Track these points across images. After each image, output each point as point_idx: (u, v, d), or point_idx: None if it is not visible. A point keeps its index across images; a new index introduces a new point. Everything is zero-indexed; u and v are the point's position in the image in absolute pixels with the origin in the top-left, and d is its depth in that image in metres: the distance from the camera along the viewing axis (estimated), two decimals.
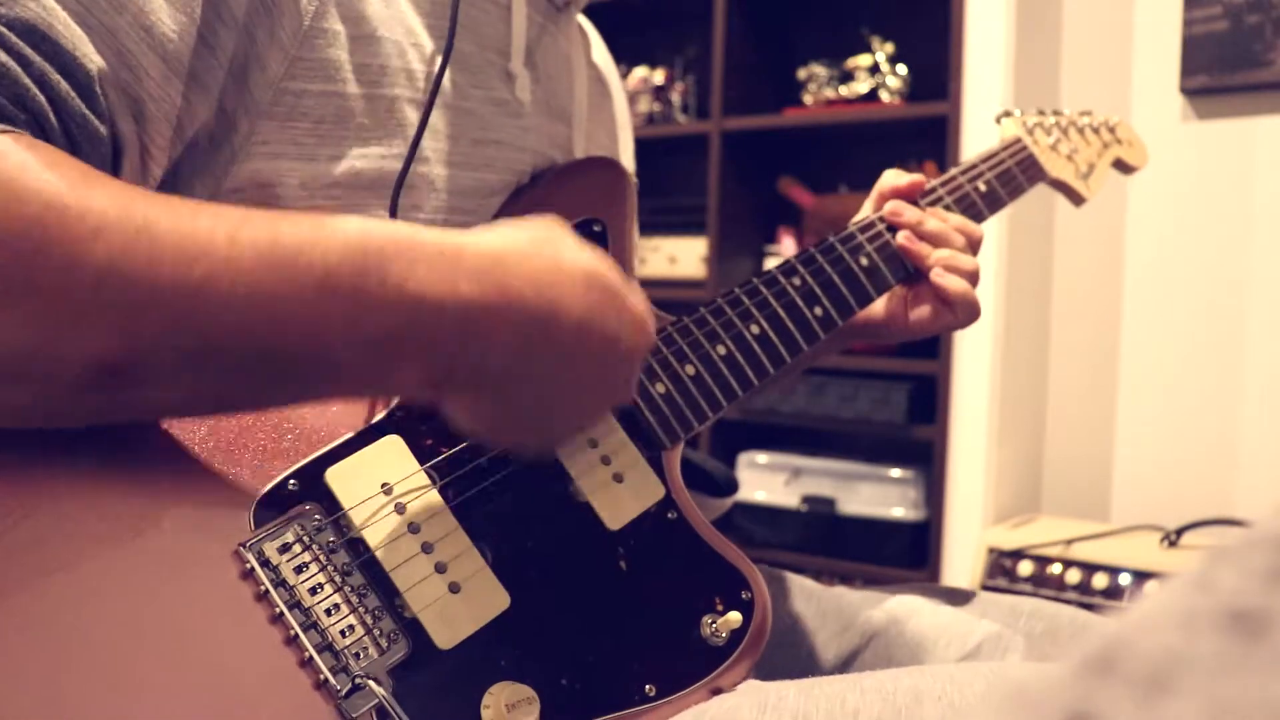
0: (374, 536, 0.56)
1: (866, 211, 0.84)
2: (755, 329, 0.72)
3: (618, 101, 0.93)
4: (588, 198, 0.73)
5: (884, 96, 2.31)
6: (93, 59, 0.52)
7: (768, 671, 0.64)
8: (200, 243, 0.46)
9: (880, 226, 0.80)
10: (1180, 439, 2.11)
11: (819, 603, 0.83)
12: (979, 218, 0.87)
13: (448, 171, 0.67)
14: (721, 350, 0.70)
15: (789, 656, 0.80)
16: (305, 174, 0.61)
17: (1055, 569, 1.87)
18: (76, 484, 0.50)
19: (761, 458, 2.36)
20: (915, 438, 2.22)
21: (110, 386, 0.46)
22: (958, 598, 0.80)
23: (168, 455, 0.54)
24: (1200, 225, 2.08)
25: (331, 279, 0.48)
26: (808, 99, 2.41)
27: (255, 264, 0.47)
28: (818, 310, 0.75)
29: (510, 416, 0.55)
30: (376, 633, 0.54)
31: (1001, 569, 1.92)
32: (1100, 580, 1.82)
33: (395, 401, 0.61)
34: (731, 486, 0.90)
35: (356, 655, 0.53)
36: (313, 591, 0.53)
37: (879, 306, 0.83)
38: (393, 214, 0.63)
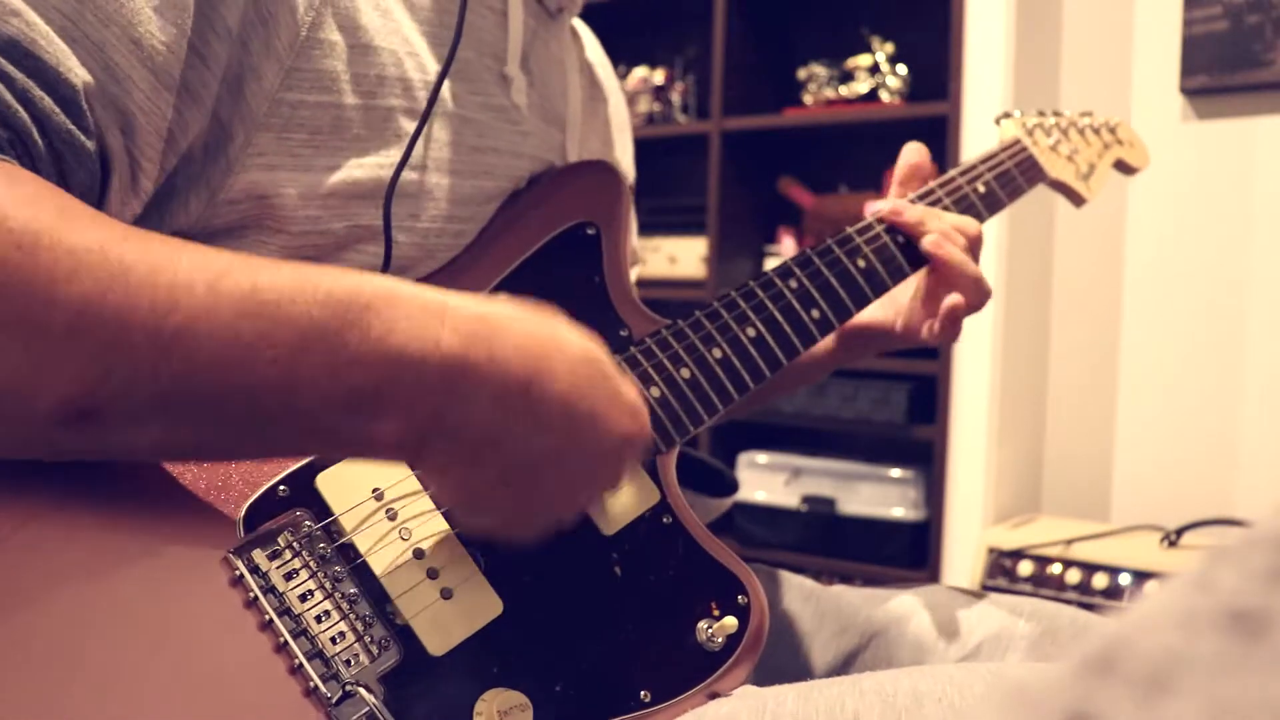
0: (365, 542, 0.56)
1: (893, 194, 0.84)
2: (751, 332, 0.71)
3: (614, 104, 0.92)
4: (583, 201, 0.73)
5: (884, 96, 2.31)
6: (77, 73, 0.51)
7: (767, 672, 0.64)
8: (179, 290, 0.45)
9: (879, 228, 0.80)
10: (1180, 439, 2.11)
11: (818, 603, 0.83)
12: (978, 219, 0.86)
13: (445, 180, 0.66)
14: (717, 354, 0.70)
15: (788, 657, 0.80)
16: (302, 184, 0.60)
17: (1055, 569, 1.86)
18: (67, 492, 0.50)
19: (761, 458, 2.36)
20: (915, 438, 2.22)
21: (82, 427, 0.45)
22: (958, 598, 0.80)
23: (156, 462, 0.54)
24: (1200, 225, 2.08)
25: (312, 332, 0.47)
26: (808, 99, 2.41)
27: (234, 314, 0.46)
28: (814, 313, 0.75)
29: (487, 488, 0.52)
30: (367, 639, 0.53)
31: (1001, 569, 1.92)
32: (1100, 580, 1.81)
33: None
34: (731, 486, 0.90)
35: (347, 662, 0.52)
36: (303, 598, 0.53)
37: (880, 312, 0.83)
38: (386, 222, 0.63)
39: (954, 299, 0.79)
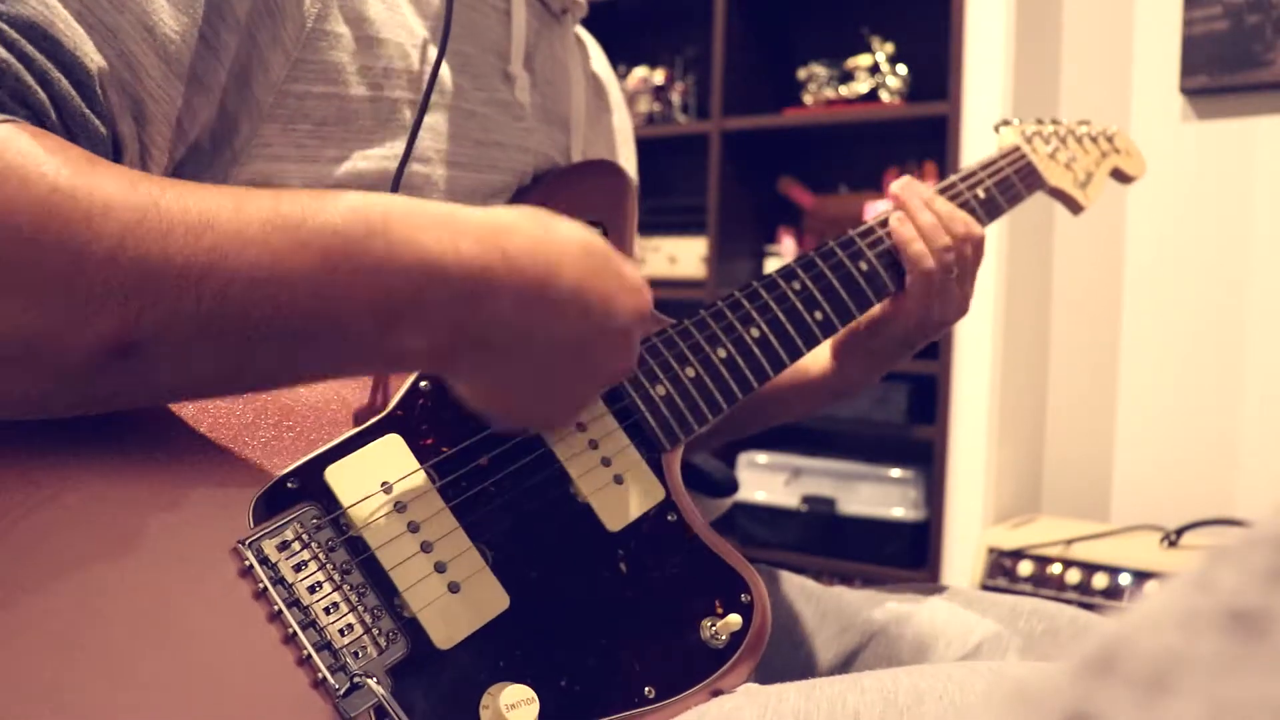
0: (373, 535, 0.56)
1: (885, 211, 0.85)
2: (755, 332, 0.72)
3: (618, 114, 0.93)
4: (588, 199, 0.73)
5: (884, 96, 2.31)
6: (93, 58, 0.52)
7: (768, 672, 0.64)
8: (207, 214, 0.47)
9: (880, 232, 0.80)
10: (1180, 439, 2.11)
11: (819, 603, 0.83)
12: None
13: (450, 172, 0.67)
14: (722, 353, 0.70)
15: (789, 657, 0.80)
16: (307, 176, 0.61)
17: (1055, 569, 1.87)
18: (76, 482, 0.50)
19: (761, 458, 2.37)
20: (915, 438, 2.22)
21: (122, 365, 0.46)
22: (958, 598, 0.80)
23: (167, 452, 0.54)
24: (1200, 225, 2.08)
25: (336, 243, 0.48)
26: (808, 99, 2.41)
27: (261, 231, 0.47)
28: (817, 315, 0.75)
29: (515, 386, 0.55)
30: (375, 632, 0.54)
31: (1001, 569, 1.92)
32: (1100, 580, 1.82)
33: (395, 401, 0.60)
34: (731, 486, 0.90)
35: (355, 654, 0.53)
36: (311, 590, 0.53)
37: (880, 312, 0.83)
38: None
39: (931, 296, 0.81)
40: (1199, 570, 0.21)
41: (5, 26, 0.50)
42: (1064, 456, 2.26)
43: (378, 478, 0.58)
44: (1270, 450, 2.01)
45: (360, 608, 0.54)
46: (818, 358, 0.88)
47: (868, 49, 2.35)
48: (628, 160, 0.94)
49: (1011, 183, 0.90)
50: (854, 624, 0.80)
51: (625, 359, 0.58)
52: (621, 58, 2.73)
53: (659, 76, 2.66)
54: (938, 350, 2.13)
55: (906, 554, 2.19)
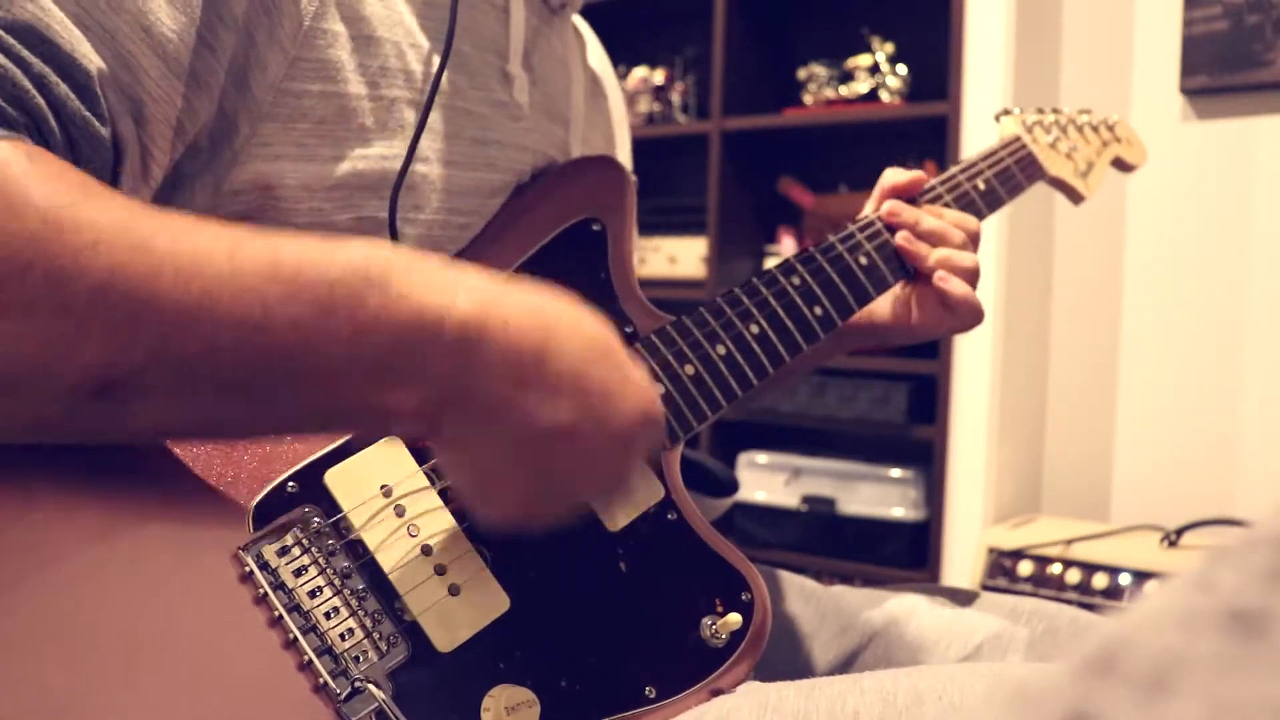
0: (373, 539, 0.56)
1: (868, 210, 0.84)
2: (755, 329, 0.72)
3: (614, 102, 0.93)
4: (588, 196, 0.73)
5: (884, 96, 2.31)
6: (91, 59, 0.52)
7: (767, 672, 0.64)
8: (200, 258, 0.46)
9: (879, 225, 0.80)
10: (1180, 439, 2.11)
11: (819, 603, 0.83)
12: (978, 216, 0.87)
13: (449, 171, 0.67)
14: (721, 350, 0.70)
15: (789, 657, 0.80)
16: (307, 175, 0.61)
17: (1055, 569, 1.87)
18: (74, 485, 0.50)
19: (761, 458, 2.36)
20: (915, 438, 2.22)
21: (103, 403, 0.45)
22: (958, 598, 0.80)
23: (166, 457, 0.54)
24: (1200, 225, 2.08)
25: (332, 293, 0.47)
26: (808, 99, 2.41)
27: (255, 279, 0.46)
28: (817, 310, 0.75)
29: (501, 465, 0.52)
30: (376, 636, 0.54)
31: (1001, 569, 1.92)
32: (1100, 580, 1.82)
33: None
34: (731, 486, 0.90)
35: (356, 658, 0.53)
36: (312, 594, 0.53)
37: (884, 310, 0.83)
38: (392, 214, 0.63)
39: (950, 321, 0.80)
40: (1199, 570, 0.21)
41: (1, 31, 0.50)
42: (1064, 456, 2.26)
43: (377, 480, 0.58)
44: (1270, 450, 2.01)
45: (361, 612, 0.54)
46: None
47: (868, 49, 2.35)
48: (623, 147, 0.94)
49: (1012, 173, 0.90)
50: (854, 624, 0.80)
51: (624, 464, 0.54)
52: (621, 58, 2.73)
53: (659, 76, 2.66)
54: (938, 350, 2.13)
55: (906, 554, 2.19)
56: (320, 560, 0.54)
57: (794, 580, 0.86)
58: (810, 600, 0.84)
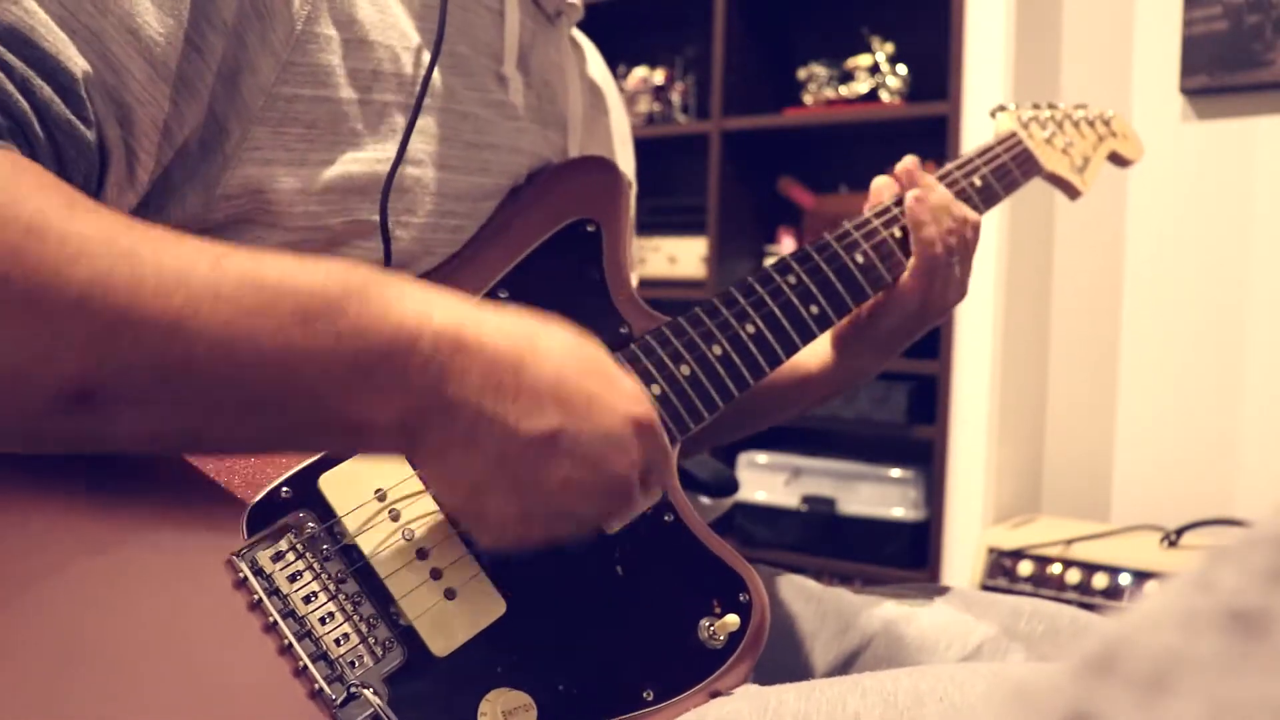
0: (368, 543, 0.56)
1: (865, 211, 0.84)
2: (751, 328, 0.71)
3: (615, 116, 0.92)
4: (582, 197, 0.73)
5: (884, 96, 2.31)
6: (76, 63, 0.51)
7: (767, 672, 0.64)
8: (183, 270, 0.46)
9: (877, 223, 0.80)
10: (1180, 439, 2.11)
11: (819, 603, 0.83)
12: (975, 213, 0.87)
13: (442, 174, 0.66)
14: (717, 350, 0.70)
15: (789, 657, 0.80)
16: (298, 179, 0.60)
17: (1055, 569, 1.86)
18: (67, 492, 0.50)
19: (761, 458, 2.36)
20: (915, 438, 2.21)
21: (82, 413, 0.45)
22: (958, 598, 0.80)
23: (160, 464, 0.54)
24: (1200, 225, 2.08)
25: (311, 303, 0.47)
26: (808, 99, 2.41)
27: (236, 291, 0.46)
28: (814, 308, 0.75)
29: (486, 476, 0.51)
30: (371, 641, 0.53)
31: (1001, 569, 1.92)
32: (1100, 580, 1.81)
33: None
34: (731, 487, 0.90)
35: (351, 664, 0.52)
36: (306, 600, 0.53)
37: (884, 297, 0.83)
38: (383, 215, 0.63)
39: (936, 277, 0.80)
40: (1199, 570, 0.20)
41: None
42: (1064, 456, 2.26)
43: (371, 485, 0.57)
44: (1270, 450, 2.01)
45: (356, 617, 0.54)
46: (816, 351, 0.87)
47: (868, 49, 2.35)
48: (626, 162, 0.94)
49: (1008, 169, 0.90)
50: (854, 625, 0.80)
51: (623, 476, 0.53)
52: (621, 58, 2.73)
53: (659, 76, 2.66)
54: (938, 350, 2.13)
55: (906, 554, 2.19)
56: (315, 565, 0.54)
57: (794, 580, 0.86)
58: (810, 600, 0.84)
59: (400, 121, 0.64)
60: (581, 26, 0.88)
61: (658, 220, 2.54)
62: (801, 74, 2.43)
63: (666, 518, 0.64)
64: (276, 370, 0.47)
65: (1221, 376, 2.06)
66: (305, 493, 0.56)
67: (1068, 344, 2.25)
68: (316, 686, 0.51)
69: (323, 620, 0.53)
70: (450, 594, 0.56)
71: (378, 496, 0.57)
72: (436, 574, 0.56)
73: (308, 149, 0.61)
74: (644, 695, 0.58)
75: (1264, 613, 0.19)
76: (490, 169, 0.70)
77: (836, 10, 2.47)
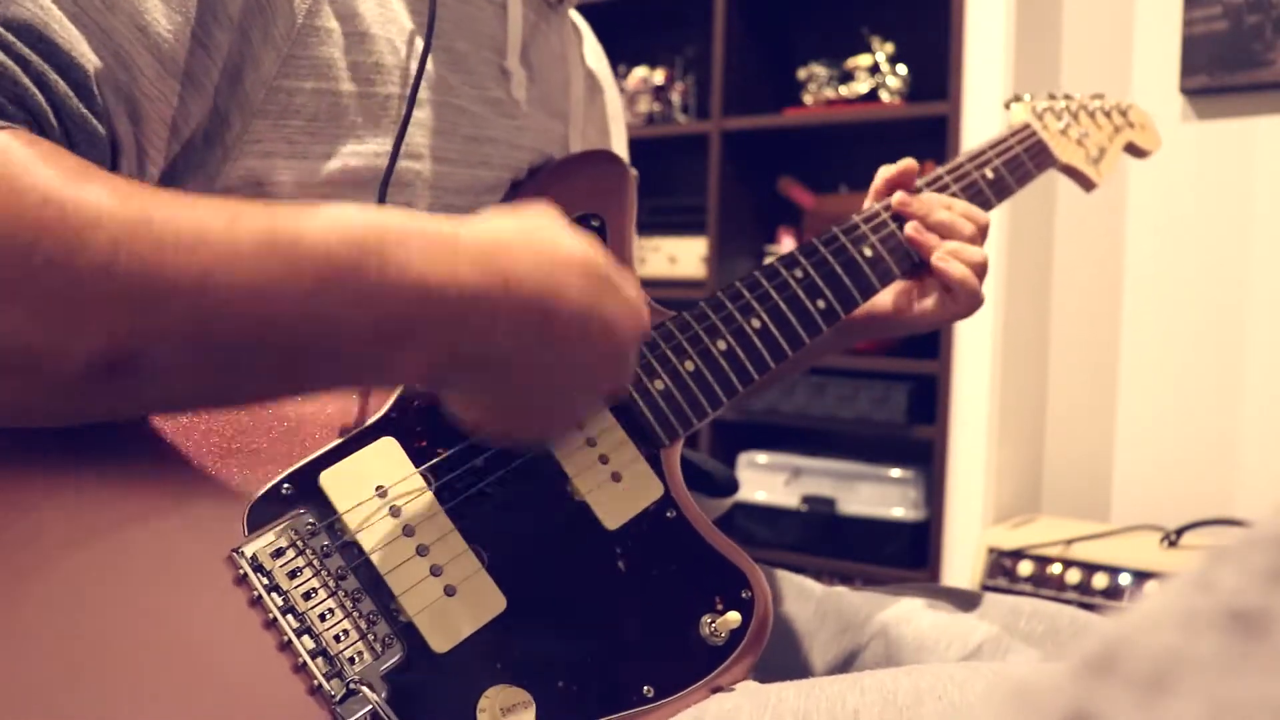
0: (369, 540, 0.56)
1: (869, 201, 0.84)
2: (756, 323, 0.71)
3: (609, 96, 0.92)
4: (587, 192, 0.73)
5: (884, 96, 2.30)
6: (89, 58, 0.52)
7: (767, 672, 0.64)
8: (200, 230, 0.46)
9: (885, 216, 0.80)
10: (1180, 439, 2.11)
11: (819, 603, 0.83)
12: (986, 206, 0.86)
13: (442, 169, 0.66)
14: (722, 345, 0.69)
15: (789, 657, 0.80)
16: (298, 171, 0.61)
17: (1055, 569, 1.86)
18: (67, 487, 0.50)
19: (761, 458, 2.36)
20: (915, 438, 2.21)
21: (114, 379, 0.46)
22: (958, 598, 0.80)
23: (160, 458, 0.54)
24: (1200, 225, 2.08)
25: (331, 265, 0.47)
26: (808, 99, 2.41)
27: (254, 250, 0.47)
28: (820, 303, 0.74)
29: (510, 407, 0.55)
30: (371, 637, 0.53)
31: (1001, 569, 1.92)
32: (1100, 580, 1.81)
33: (389, 404, 0.60)
34: (731, 486, 0.90)
35: (351, 660, 0.52)
36: (307, 596, 0.53)
37: (885, 302, 0.83)
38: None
39: (950, 307, 0.81)
40: (1199, 570, 0.21)
41: (1, 29, 0.50)
42: (1064, 456, 2.26)
43: (372, 482, 0.57)
44: (1270, 450, 2.01)
45: (356, 613, 0.54)
46: None
47: (868, 49, 2.35)
48: (619, 139, 0.94)
49: (1021, 161, 0.89)
50: (854, 624, 0.80)
51: (622, 378, 0.58)
52: (621, 58, 2.73)
53: (659, 76, 2.66)
54: (938, 350, 2.13)
55: (906, 554, 2.19)
56: (315, 562, 0.54)
57: (794, 580, 0.86)
58: (810, 600, 0.84)
59: (400, 114, 0.64)
60: (585, 20, 0.88)
61: (658, 220, 2.54)
62: (801, 74, 2.43)
63: (669, 514, 0.64)
64: (301, 329, 0.48)
65: (1221, 376, 2.06)
66: (306, 489, 0.56)
67: (1068, 344, 2.25)
68: (316, 683, 0.51)
69: (322, 617, 0.53)
70: (450, 590, 0.56)
71: (378, 493, 0.57)
72: (437, 570, 0.56)
73: (309, 142, 0.61)
74: (644, 692, 0.58)
75: (1264, 613, 0.19)
76: (490, 162, 0.70)
77: (836, 10, 2.47)
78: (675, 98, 2.65)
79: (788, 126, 2.40)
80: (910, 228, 0.80)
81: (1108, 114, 0.99)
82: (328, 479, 0.56)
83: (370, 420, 0.59)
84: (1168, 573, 1.77)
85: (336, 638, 0.53)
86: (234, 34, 0.57)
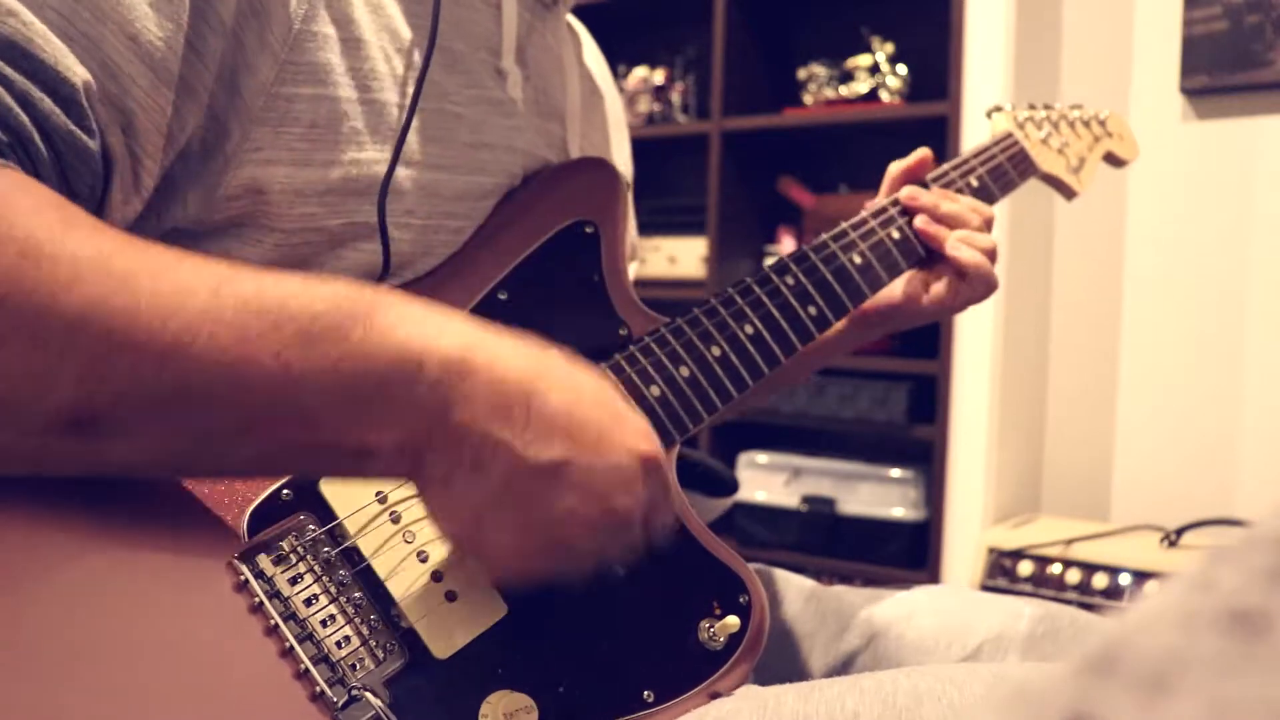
0: (369, 546, 0.56)
1: (880, 201, 0.84)
2: (749, 329, 0.71)
3: (610, 102, 0.92)
4: (580, 199, 0.73)
5: (884, 96, 2.31)
6: (76, 72, 0.51)
7: (766, 673, 0.64)
8: (181, 294, 0.46)
9: (873, 224, 0.81)
10: (1180, 439, 2.11)
11: (819, 603, 0.83)
12: None
13: (439, 175, 0.66)
14: (716, 351, 0.70)
15: (788, 657, 0.80)
16: (299, 179, 0.60)
17: (1055, 569, 1.86)
18: (70, 495, 0.50)
19: (761, 458, 2.36)
20: (915, 438, 2.21)
21: (79, 436, 0.45)
22: (958, 598, 0.80)
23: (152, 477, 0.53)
24: (1200, 225, 2.08)
25: (314, 325, 0.47)
26: (808, 99, 2.41)
27: (237, 313, 0.46)
28: (811, 309, 0.75)
29: (491, 505, 0.50)
30: (373, 643, 0.53)
31: (1001, 569, 1.92)
32: (1100, 580, 1.81)
33: None
34: (731, 486, 0.90)
35: (353, 666, 0.52)
36: (308, 603, 0.53)
37: (896, 293, 0.84)
38: (381, 217, 0.62)
39: (964, 292, 0.82)
40: (1199, 570, 0.20)
41: None
42: (1064, 456, 2.26)
43: (373, 488, 0.57)
44: (1270, 450, 2.01)
45: (357, 619, 0.54)
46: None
47: (868, 49, 2.35)
48: (620, 146, 0.94)
49: (1004, 170, 0.90)
50: (853, 625, 0.80)
51: (628, 511, 0.53)
52: (621, 58, 2.73)
53: (659, 76, 2.66)
54: (938, 350, 2.13)
55: (906, 554, 2.19)
56: (316, 568, 0.54)
57: (793, 580, 0.86)
58: (810, 600, 0.84)
59: (398, 120, 0.64)
60: (584, 26, 0.88)
61: (658, 220, 2.54)
62: (801, 74, 2.43)
63: None
64: (277, 394, 0.47)
65: (1221, 376, 2.06)
66: (306, 495, 0.56)
67: (1068, 344, 2.25)
68: (318, 689, 0.51)
69: (324, 623, 0.53)
70: (451, 596, 0.56)
71: (379, 499, 0.57)
72: (438, 576, 0.56)
73: (308, 149, 0.60)
74: (644, 696, 0.58)
75: (1264, 613, 0.19)
76: (487, 168, 0.70)
77: (836, 10, 2.47)
78: (675, 98, 2.65)
79: (788, 126, 2.40)
80: (920, 220, 0.81)
81: (1087, 124, 1.01)
82: (328, 485, 0.56)
83: None
84: (1168, 573, 1.77)
85: (338, 644, 0.53)
86: (228, 39, 0.57)
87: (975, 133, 2.07)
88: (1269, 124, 2.01)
